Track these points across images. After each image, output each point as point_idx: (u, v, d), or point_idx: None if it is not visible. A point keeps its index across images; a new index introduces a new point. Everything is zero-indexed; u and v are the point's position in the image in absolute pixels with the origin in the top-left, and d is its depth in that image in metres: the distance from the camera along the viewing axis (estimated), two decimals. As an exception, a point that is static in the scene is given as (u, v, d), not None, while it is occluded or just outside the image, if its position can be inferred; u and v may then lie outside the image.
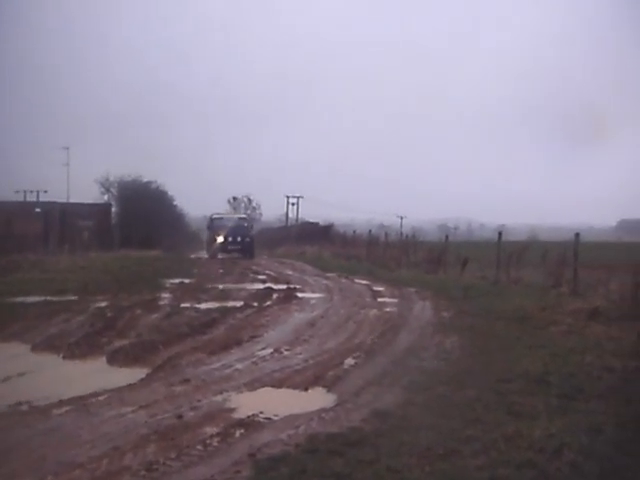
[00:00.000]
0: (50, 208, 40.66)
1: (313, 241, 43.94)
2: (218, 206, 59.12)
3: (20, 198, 48.39)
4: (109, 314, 12.74)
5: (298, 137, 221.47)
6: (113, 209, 49.46)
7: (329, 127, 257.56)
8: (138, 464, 5.15)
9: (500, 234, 21.83)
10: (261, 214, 78.86)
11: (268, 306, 14.68)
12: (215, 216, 38.38)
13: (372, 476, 4.85)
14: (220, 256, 33.97)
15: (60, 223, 38.58)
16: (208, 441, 5.70)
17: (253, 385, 7.71)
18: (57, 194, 49.52)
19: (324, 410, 6.68)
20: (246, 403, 6.93)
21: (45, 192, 49.57)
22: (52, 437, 5.84)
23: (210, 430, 5.99)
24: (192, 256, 37.57)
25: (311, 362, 8.98)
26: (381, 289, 18.80)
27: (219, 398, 7.11)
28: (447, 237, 28.18)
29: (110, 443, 5.63)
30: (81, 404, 6.87)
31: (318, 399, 7.19)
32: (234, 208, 69.00)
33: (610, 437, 5.67)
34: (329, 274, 24.22)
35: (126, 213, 48.78)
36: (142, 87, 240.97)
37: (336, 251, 38.24)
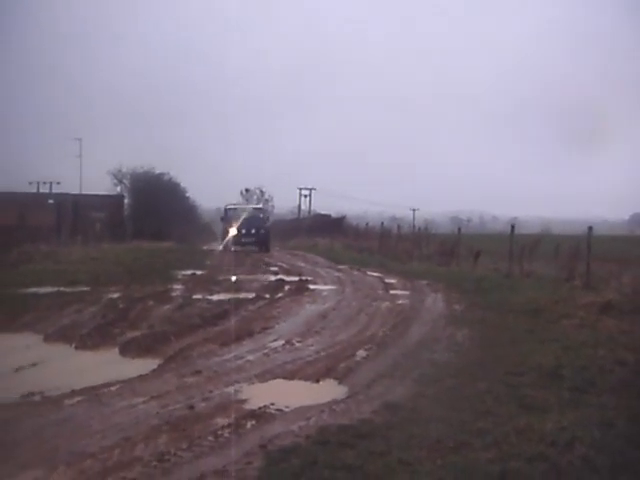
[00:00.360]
0: (63, 199, 40.73)
1: (325, 233, 43.77)
2: (231, 198, 58.98)
3: (33, 189, 48.41)
4: (121, 305, 12.81)
5: (311, 130, 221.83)
6: (126, 201, 49.39)
7: (343, 120, 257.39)
8: (149, 454, 5.18)
9: (513, 227, 21.70)
10: (273, 206, 78.70)
11: (280, 298, 14.69)
12: (229, 207, 36.32)
13: (383, 468, 4.85)
14: (233, 249, 30.94)
15: (73, 214, 38.67)
16: (219, 432, 5.72)
17: (264, 376, 7.73)
18: (70, 186, 49.49)
19: (335, 402, 6.68)
20: (257, 394, 6.94)
21: (58, 184, 49.59)
22: (64, 427, 5.88)
23: (221, 421, 6.01)
24: (204, 248, 37.17)
25: (322, 354, 8.98)
26: (393, 281, 18.76)
27: (230, 389, 7.13)
28: (459, 229, 28.18)
29: (121, 433, 5.67)
30: (93, 394, 6.92)
31: (329, 391, 7.20)
32: (246, 200, 68.85)
33: (622, 431, 5.64)
34: (341, 266, 24.19)
35: (139, 205, 48.80)
36: (157, 81, 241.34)
37: (348, 243, 38.16)
